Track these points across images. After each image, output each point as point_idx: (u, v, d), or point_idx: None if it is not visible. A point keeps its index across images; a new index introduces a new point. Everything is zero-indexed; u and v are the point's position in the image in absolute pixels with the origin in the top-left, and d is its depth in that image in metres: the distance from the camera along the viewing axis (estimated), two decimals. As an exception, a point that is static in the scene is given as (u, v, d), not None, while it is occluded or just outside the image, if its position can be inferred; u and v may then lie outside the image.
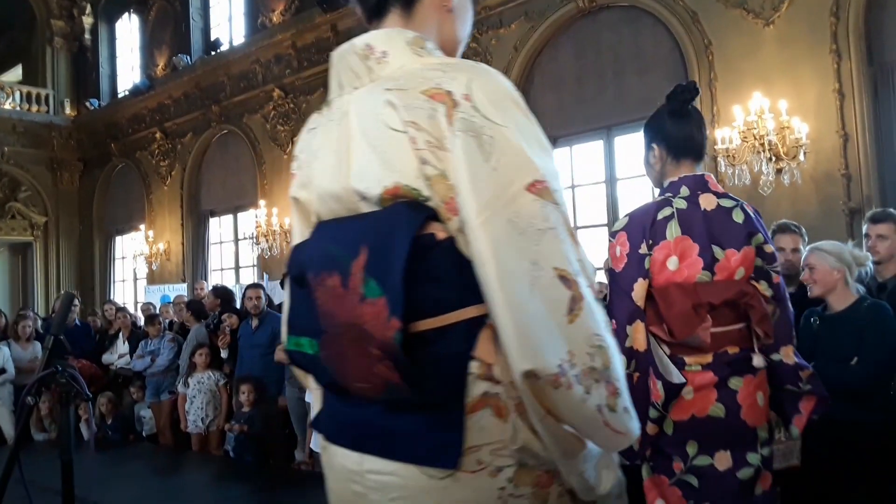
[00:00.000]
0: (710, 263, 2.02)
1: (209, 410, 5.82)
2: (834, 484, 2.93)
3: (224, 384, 5.85)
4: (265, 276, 10.06)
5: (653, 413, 1.96)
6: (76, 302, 8.27)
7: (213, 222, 12.58)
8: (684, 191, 2.09)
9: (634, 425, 1.03)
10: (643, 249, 2.02)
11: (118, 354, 7.12)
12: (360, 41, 1.13)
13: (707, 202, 2.07)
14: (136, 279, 13.88)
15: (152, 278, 12.64)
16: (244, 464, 5.30)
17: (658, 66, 7.20)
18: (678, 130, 2.12)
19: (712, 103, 6.70)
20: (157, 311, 7.51)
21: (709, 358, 1.99)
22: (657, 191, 2.22)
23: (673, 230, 2.03)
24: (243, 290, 6.25)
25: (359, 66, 1.13)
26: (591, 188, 8.04)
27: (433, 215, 1.01)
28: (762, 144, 5.97)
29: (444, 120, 1.00)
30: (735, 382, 2.00)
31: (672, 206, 2.06)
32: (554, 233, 0.98)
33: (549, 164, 1.02)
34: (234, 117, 11.66)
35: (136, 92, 13.32)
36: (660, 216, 2.04)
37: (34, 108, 14.38)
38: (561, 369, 0.95)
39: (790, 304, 2.22)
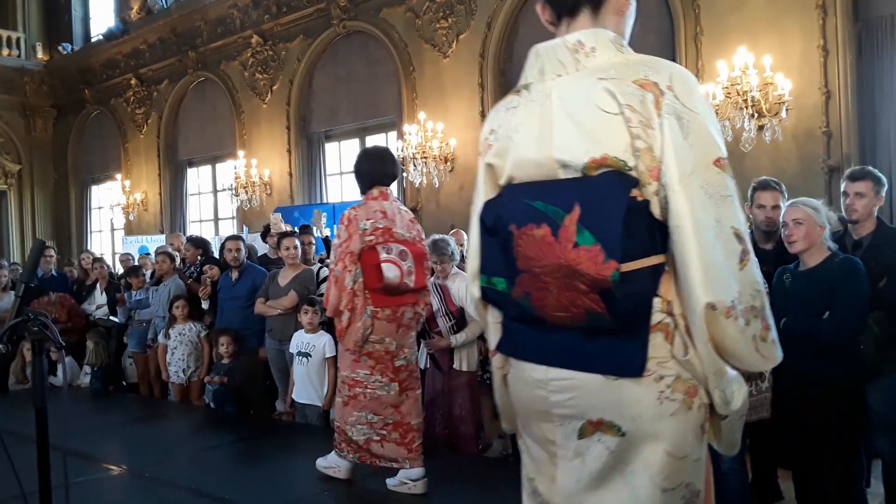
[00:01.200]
0: None
1: (191, 361, 5.82)
2: (802, 436, 3.01)
3: (205, 335, 5.84)
4: (245, 228, 9.97)
5: None
6: (51, 252, 8.16)
7: (192, 173, 12.39)
8: None
9: (779, 354, 1.35)
10: None
11: (96, 305, 7.07)
12: (571, 38, 1.39)
13: None
14: (113, 230, 13.72)
15: (130, 229, 12.50)
16: (225, 414, 5.33)
17: (645, 19, 7.08)
18: None
19: (697, 58, 6.64)
20: (137, 263, 7.42)
21: None
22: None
23: None
24: (223, 242, 6.19)
25: (566, 58, 1.38)
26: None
27: (636, 183, 1.28)
28: (745, 101, 5.94)
29: (652, 105, 1.28)
30: None
31: None
32: (731, 199, 1.29)
33: (723, 144, 1.32)
34: (212, 64, 11.38)
35: (109, 36, 12.93)
36: None
37: (5, 51, 13.93)
38: (732, 304, 1.26)
39: None
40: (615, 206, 1.25)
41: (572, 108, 1.33)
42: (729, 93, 6.02)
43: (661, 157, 1.27)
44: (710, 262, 1.25)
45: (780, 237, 3.29)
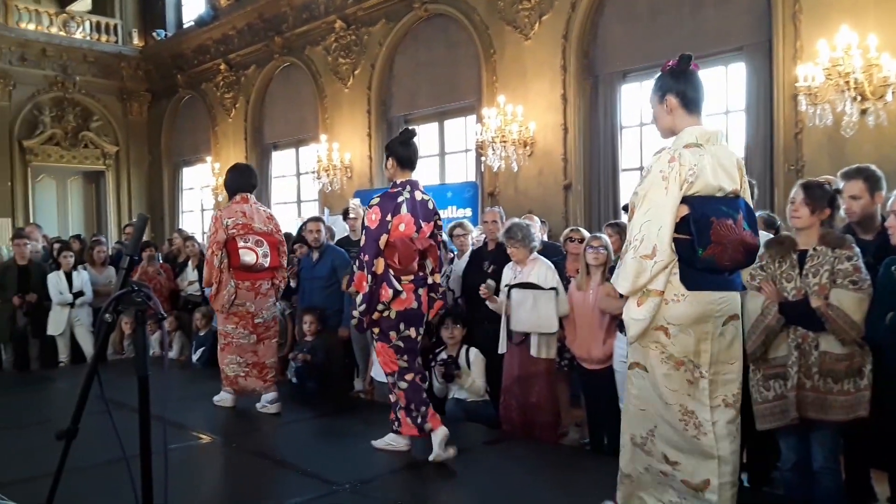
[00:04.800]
0: (417, 229, 3.73)
1: (273, 338, 6.00)
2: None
3: (289, 314, 6.01)
4: (326, 210, 10.19)
5: (381, 307, 3.65)
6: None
7: (276, 156, 12.74)
8: (408, 188, 3.75)
9: None
10: (388, 218, 3.63)
11: (188, 281, 7.38)
12: (721, 130, 2.71)
13: (418, 196, 3.78)
14: (202, 210, 14.27)
15: (219, 209, 12.94)
16: (307, 390, 5.49)
17: (738, -3, 6.79)
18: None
19: (795, 38, 6.30)
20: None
21: (411, 276, 3.73)
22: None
23: (405, 209, 3.68)
24: (303, 223, 6.35)
25: (713, 138, 2.57)
26: (660, 128, 7.75)
27: None
28: (847, 83, 5.61)
29: (742, 169, 2.62)
30: (420, 291, 3.79)
31: (403, 196, 3.71)
32: None
33: None
34: (297, 49, 11.63)
35: (200, 23, 13.39)
36: (399, 200, 3.69)
37: (103, 37, 14.64)
38: None
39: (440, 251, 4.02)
40: (752, 212, 2.61)
41: (723, 163, 2.54)
42: (830, 74, 5.69)
43: (743, 192, 2.60)
44: None
45: (880, 227, 3.12)
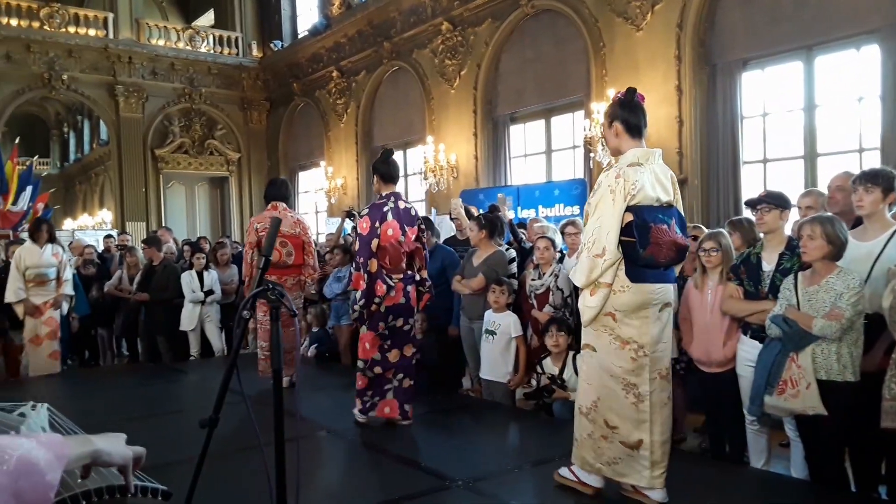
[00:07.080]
0: (403, 234, 4.27)
1: (385, 335, 6.16)
2: None
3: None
4: (433, 210, 10.34)
5: (377, 300, 4.18)
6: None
7: (385, 157, 13.04)
8: (392, 199, 4.30)
9: None
10: (377, 225, 4.20)
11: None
12: (658, 151, 3.09)
13: (401, 205, 4.32)
14: (317, 212, 14.86)
15: (331, 211, 13.47)
16: (418, 387, 5.58)
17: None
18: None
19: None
20: (343, 242, 7.96)
21: (401, 275, 4.29)
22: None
23: (391, 217, 4.23)
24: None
25: (651, 158, 3.02)
26: (785, 116, 7.34)
27: None
28: None
29: (672, 184, 3.08)
30: (409, 287, 4.34)
31: (389, 206, 4.27)
32: None
33: None
34: (404, 53, 11.88)
35: (314, 32, 13.95)
36: (385, 210, 4.24)
37: (226, 50, 15.54)
38: None
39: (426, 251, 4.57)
40: (682, 219, 3.07)
41: (660, 178, 3.00)
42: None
43: (676, 202, 3.04)
44: None
45: None
